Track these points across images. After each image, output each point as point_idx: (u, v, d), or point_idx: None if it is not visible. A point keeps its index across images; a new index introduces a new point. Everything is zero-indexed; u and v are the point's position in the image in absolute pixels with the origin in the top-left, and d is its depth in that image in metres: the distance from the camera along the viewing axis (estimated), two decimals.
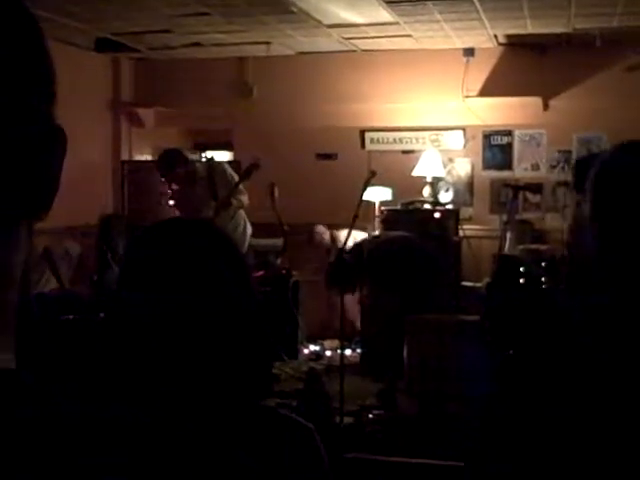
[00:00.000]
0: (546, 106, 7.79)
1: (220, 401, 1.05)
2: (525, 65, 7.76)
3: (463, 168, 8.14)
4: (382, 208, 7.47)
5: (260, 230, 6.71)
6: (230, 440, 0.92)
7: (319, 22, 6.91)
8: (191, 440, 0.79)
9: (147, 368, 1.05)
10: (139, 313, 1.13)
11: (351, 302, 6.80)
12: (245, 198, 6.28)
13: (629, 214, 1.43)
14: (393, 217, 7.20)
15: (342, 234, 6.28)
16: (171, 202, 6.39)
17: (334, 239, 7.16)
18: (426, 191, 7.71)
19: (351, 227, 5.39)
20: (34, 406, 0.56)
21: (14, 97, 0.59)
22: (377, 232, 7.45)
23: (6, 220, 0.59)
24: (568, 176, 7.91)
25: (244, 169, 6.25)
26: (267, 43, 7.83)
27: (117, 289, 1.17)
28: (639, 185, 1.46)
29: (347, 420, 5.15)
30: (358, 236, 6.39)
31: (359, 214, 5.57)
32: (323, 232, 7.56)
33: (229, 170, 6.42)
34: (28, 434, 0.54)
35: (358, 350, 7.14)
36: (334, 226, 7.18)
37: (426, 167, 7.76)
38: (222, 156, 9.73)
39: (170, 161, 6.20)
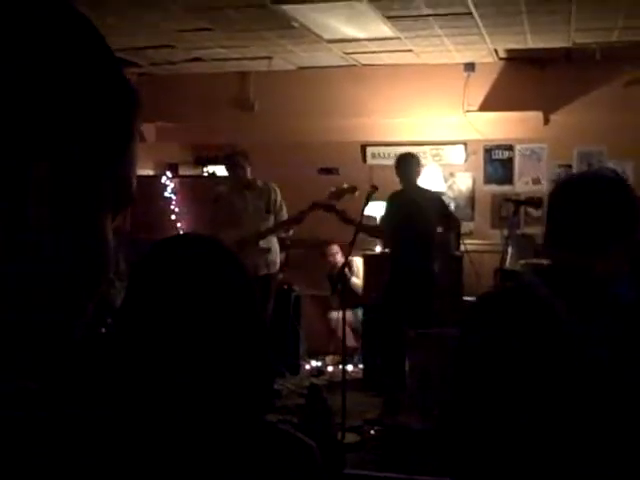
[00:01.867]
0: (547, 120, 7.80)
1: (222, 415, 1.04)
2: (525, 80, 7.77)
3: (464, 183, 8.14)
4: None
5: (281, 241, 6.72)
6: (229, 455, 0.91)
7: (320, 37, 6.93)
8: (189, 453, 0.79)
9: (148, 383, 1.04)
10: (145, 328, 1.13)
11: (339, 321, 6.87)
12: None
13: None
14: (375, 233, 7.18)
15: (356, 259, 6.31)
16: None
17: (349, 264, 7.10)
18: None
19: (353, 241, 5.39)
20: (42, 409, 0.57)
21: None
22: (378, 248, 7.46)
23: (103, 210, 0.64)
24: None
25: (338, 190, 6.16)
26: (268, 58, 7.85)
27: (124, 305, 1.18)
28: None
29: (349, 436, 5.13)
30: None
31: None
32: (336, 252, 7.61)
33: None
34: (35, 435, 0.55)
35: (360, 365, 7.12)
36: (343, 243, 7.19)
37: (427, 182, 7.76)
38: (224, 171, 9.74)
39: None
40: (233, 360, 1.14)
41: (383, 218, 6.33)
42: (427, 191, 6.47)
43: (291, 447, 1.05)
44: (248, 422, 1.07)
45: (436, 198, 6.44)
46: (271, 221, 6.24)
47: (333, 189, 6.13)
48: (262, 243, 6.14)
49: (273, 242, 6.29)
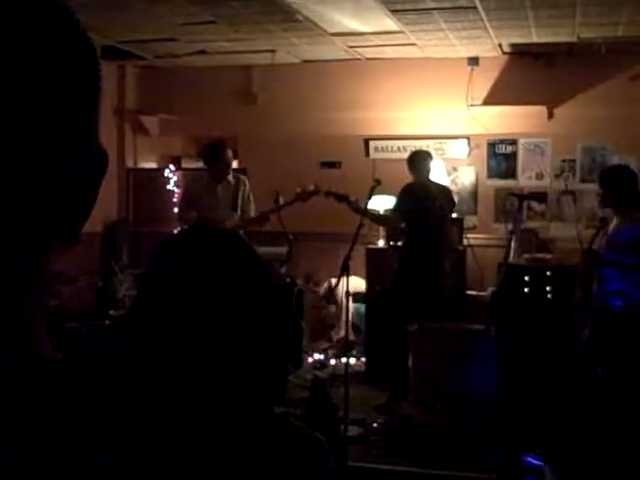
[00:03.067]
0: (551, 115, 7.79)
1: (233, 405, 1.05)
2: (530, 74, 7.76)
3: (467, 177, 8.14)
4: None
5: (264, 238, 6.70)
6: (238, 445, 0.91)
7: (324, 30, 6.92)
8: (197, 443, 0.79)
9: (161, 371, 1.05)
10: (163, 317, 1.14)
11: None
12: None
13: None
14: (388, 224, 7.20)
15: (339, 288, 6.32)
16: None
17: (332, 290, 7.13)
18: None
19: (356, 235, 5.38)
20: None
21: (78, 117, 0.62)
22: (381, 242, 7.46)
23: (43, 234, 0.61)
24: (573, 185, 7.92)
25: (304, 191, 6.10)
26: (272, 51, 7.84)
27: (139, 297, 1.18)
28: None
29: (352, 429, 5.14)
30: (355, 282, 6.41)
31: (364, 223, 5.58)
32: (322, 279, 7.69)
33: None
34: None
35: (362, 359, 7.13)
36: (337, 237, 7.18)
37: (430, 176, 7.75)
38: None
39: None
40: (251, 351, 1.15)
41: (397, 207, 6.28)
42: (440, 185, 6.58)
43: (301, 441, 1.05)
44: (258, 413, 1.07)
45: (448, 192, 6.54)
46: (235, 218, 6.13)
47: (299, 190, 6.07)
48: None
49: None
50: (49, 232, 0.62)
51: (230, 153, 6.22)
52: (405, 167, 7.83)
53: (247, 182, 6.29)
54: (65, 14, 0.62)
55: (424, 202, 6.11)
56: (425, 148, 8.04)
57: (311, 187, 6.05)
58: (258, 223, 6.22)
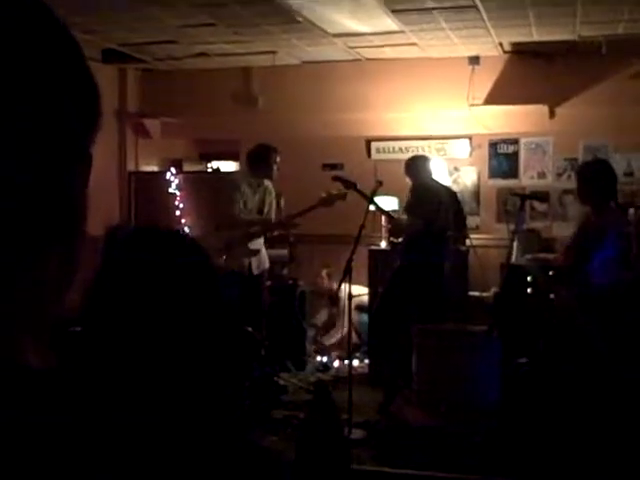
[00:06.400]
0: (552, 114, 7.77)
1: (183, 420, 1.03)
2: (531, 73, 7.74)
3: (469, 177, 8.12)
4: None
5: (266, 241, 6.69)
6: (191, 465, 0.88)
7: (324, 31, 6.91)
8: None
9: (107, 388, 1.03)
10: (111, 330, 1.12)
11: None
12: None
13: None
14: (400, 227, 7.17)
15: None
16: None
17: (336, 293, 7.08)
18: None
19: (358, 237, 5.37)
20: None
21: (53, 118, 0.60)
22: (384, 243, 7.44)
23: (35, 243, 0.60)
24: (575, 184, 7.88)
25: (329, 196, 6.16)
26: (272, 53, 7.83)
27: (89, 302, 1.17)
28: None
29: (355, 432, 5.12)
30: (358, 290, 6.38)
31: (366, 224, 5.57)
32: (325, 276, 7.71)
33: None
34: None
35: (366, 361, 7.10)
36: (340, 239, 7.16)
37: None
38: (228, 166, 9.73)
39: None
40: (196, 363, 1.14)
41: (414, 207, 6.19)
42: (445, 186, 6.62)
43: (255, 457, 1.03)
44: (206, 424, 1.05)
45: (453, 194, 6.56)
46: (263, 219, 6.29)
47: (324, 194, 6.12)
48: (252, 245, 6.17)
49: (261, 243, 6.33)
50: (34, 238, 0.60)
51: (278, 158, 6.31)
52: None
53: (272, 191, 6.40)
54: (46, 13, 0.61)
55: (439, 202, 6.12)
56: (427, 148, 8.05)
57: (334, 192, 6.11)
58: (282, 227, 6.44)
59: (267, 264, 6.46)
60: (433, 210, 6.08)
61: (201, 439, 0.94)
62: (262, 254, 6.35)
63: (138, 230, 1.29)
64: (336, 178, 6.15)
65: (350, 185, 5.97)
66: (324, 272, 7.75)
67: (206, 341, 1.15)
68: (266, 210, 6.28)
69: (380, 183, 5.86)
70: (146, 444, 0.75)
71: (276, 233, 6.77)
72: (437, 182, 6.51)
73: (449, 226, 6.30)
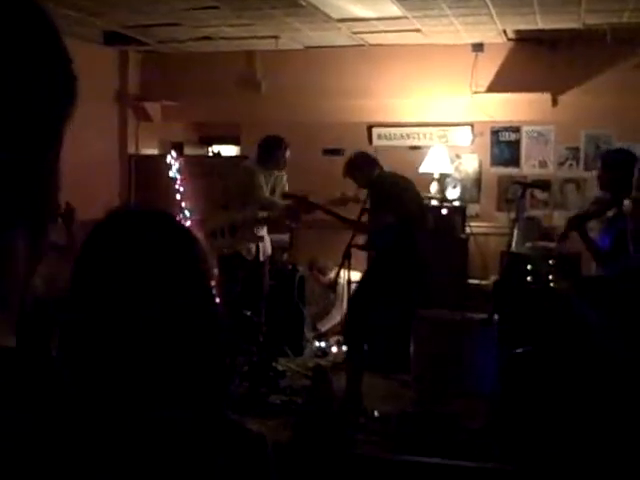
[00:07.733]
0: (555, 102, 7.74)
1: (170, 407, 1.03)
2: (534, 61, 7.70)
3: (471, 164, 8.10)
4: None
5: (266, 226, 6.70)
6: (175, 447, 0.88)
7: (328, 16, 6.87)
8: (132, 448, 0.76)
9: (89, 380, 1.03)
10: (91, 320, 1.12)
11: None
12: None
13: None
14: (364, 229, 7.09)
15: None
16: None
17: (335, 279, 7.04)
18: (433, 187, 7.68)
19: (358, 222, 5.36)
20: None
21: (23, 98, 0.59)
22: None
23: (2, 222, 0.60)
24: (576, 173, 7.89)
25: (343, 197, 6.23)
26: (275, 37, 7.79)
27: (70, 289, 1.16)
28: None
29: (353, 417, 5.13)
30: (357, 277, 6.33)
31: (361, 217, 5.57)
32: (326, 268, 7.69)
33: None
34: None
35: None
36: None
37: (433, 163, 7.73)
38: (229, 150, 9.72)
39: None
40: (183, 349, 1.14)
41: (389, 201, 6.07)
42: (393, 173, 6.22)
43: (240, 437, 1.03)
44: (193, 409, 1.06)
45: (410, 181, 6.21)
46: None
47: (339, 194, 6.19)
48: (257, 231, 6.22)
49: (265, 230, 6.43)
50: (1, 218, 0.59)
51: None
52: (408, 155, 7.81)
53: (285, 182, 6.47)
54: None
55: (401, 190, 5.90)
56: (428, 135, 8.02)
57: (350, 193, 6.12)
58: (286, 217, 6.45)
59: (270, 250, 6.52)
60: (399, 201, 5.85)
61: (183, 421, 0.95)
62: (266, 240, 6.40)
63: (120, 212, 1.28)
64: (286, 195, 6.22)
65: (302, 200, 6.05)
66: (315, 268, 7.71)
67: (184, 321, 1.14)
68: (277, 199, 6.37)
69: (344, 195, 5.96)
70: (122, 427, 0.75)
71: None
72: (386, 171, 6.10)
73: (415, 212, 6.10)
